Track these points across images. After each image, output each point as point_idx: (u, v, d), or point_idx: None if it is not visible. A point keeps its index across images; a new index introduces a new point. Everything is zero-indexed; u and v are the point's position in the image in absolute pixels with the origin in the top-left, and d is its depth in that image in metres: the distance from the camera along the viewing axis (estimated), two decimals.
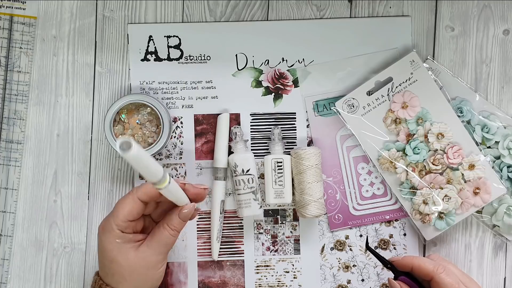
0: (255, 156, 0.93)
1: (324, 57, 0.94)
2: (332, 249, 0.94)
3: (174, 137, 0.94)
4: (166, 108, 0.92)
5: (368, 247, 0.85)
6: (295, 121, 0.95)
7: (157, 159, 0.94)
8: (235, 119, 0.94)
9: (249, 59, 0.94)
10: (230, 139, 0.93)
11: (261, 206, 0.92)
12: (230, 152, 0.93)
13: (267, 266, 0.95)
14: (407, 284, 0.83)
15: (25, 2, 0.94)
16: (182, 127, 0.95)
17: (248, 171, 0.91)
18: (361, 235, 0.94)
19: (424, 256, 0.93)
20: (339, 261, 0.94)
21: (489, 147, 0.93)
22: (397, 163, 0.92)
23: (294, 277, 0.94)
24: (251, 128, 0.94)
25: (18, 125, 0.94)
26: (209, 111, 0.95)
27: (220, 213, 0.93)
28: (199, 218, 0.94)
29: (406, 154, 0.92)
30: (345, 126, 0.93)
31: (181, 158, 0.94)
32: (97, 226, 0.94)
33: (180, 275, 0.94)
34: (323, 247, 0.94)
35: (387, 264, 0.85)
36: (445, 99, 0.92)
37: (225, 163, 0.93)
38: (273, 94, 0.95)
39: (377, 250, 0.92)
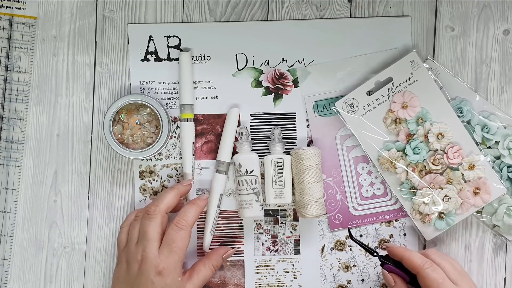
0: None
1: (324, 57, 0.94)
2: (332, 249, 0.94)
3: (174, 137, 0.94)
4: (166, 108, 0.92)
5: (351, 237, 0.87)
6: (295, 121, 0.95)
7: (157, 159, 0.94)
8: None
9: (249, 59, 0.94)
10: (236, 139, 0.93)
11: (262, 208, 0.92)
12: (234, 152, 0.93)
13: (267, 266, 0.95)
14: (397, 274, 0.86)
15: (25, 2, 0.94)
16: None
17: (251, 172, 0.91)
18: (361, 235, 0.94)
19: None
20: (339, 261, 0.94)
21: (489, 147, 0.93)
22: (397, 163, 0.92)
23: (294, 277, 0.94)
24: (251, 128, 0.94)
25: (18, 125, 0.94)
26: (209, 111, 0.95)
27: (218, 206, 0.93)
28: (199, 218, 0.94)
29: (406, 154, 0.92)
30: (345, 126, 0.93)
31: (181, 158, 0.94)
32: (97, 227, 0.94)
33: None
34: (323, 247, 0.94)
35: (372, 252, 0.87)
36: (445, 99, 0.92)
37: (229, 158, 0.93)
38: (273, 94, 0.95)
39: (377, 250, 0.92)
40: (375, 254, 0.87)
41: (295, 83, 0.95)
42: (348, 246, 0.94)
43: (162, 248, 0.85)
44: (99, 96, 0.95)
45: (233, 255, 0.94)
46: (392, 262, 0.86)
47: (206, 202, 0.91)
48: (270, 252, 0.95)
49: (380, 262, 0.87)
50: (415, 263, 0.83)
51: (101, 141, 0.95)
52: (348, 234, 0.90)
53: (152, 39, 0.94)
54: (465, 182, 0.92)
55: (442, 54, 0.95)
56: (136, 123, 0.92)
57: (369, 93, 0.93)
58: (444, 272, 0.83)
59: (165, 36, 0.95)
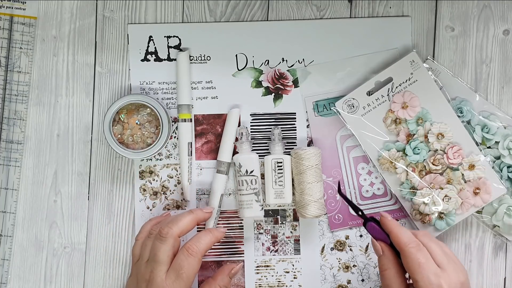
0: None
1: (324, 57, 0.94)
2: (332, 249, 0.94)
3: (174, 137, 0.94)
4: (166, 109, 0.92)
5: (339, 192, 0.86)
6: (295, 121, 0.95)
7: (157, 159, 0.94)
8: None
9: (249, 59, 0.94)
10: (236, 139, 0.94)
11: (262, 208, 0.92)
12: (234, 152, 0.93)
13: (267, 266, 0.95)
14: (378, 236, 0.83)
15: (25, 2, 0.94)
16: None
17: (251, 172, 0.91)
18: (361, 235, 0.94)
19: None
20: (339, 261, 0.94)
21: (489, 147, 0.93)
22: (397, 163, 0.92)
23: (294, 277, 0.94)
24: (251, 128, 0.94)
25: (18, 125, 0.94)
26: (209, 111, 0.95)
27: (218, 207, 0.93)
28: None
29: (406, 154, 0.92)
30: (345, 126, 0.93)
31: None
32: (97, 227, 0.94)
33: None
34: (323, 247, 0.94)
35: (357, 211, 0.85)
36: (445, 99, 0.92)
37: (230, 158, 0.93)
38: (273, 94, 0.95)
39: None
40: (359, 213, 0.84)
41: (295, 83, 0.95)
42: (348, 246, 0.94)
43: (169, 272, 0.83)
44: (99, 96, 0.95)
45: (233, 255, 0.94)
46: (374, 222, 0.84)
47: (223, 235, 0.88)
48: (270, 252, 0.95)
49: (363, 221, 0.85)
50: (401, 240, 0.80)
51: (101, 141, 0.95)
52: (337, 188, 0.91)
53: (152, 39, 0.94)
54: (465, 182, 0.92)
55: (442, 54, 0.95)
56: (136, 123, 0.92)
57: (369, 93, 0.93)
58: (430, 254, 0.79)
59: (165, 36, 0.95)
